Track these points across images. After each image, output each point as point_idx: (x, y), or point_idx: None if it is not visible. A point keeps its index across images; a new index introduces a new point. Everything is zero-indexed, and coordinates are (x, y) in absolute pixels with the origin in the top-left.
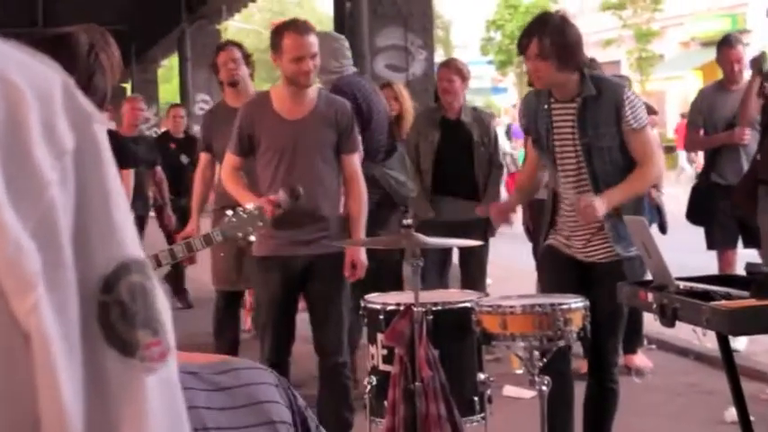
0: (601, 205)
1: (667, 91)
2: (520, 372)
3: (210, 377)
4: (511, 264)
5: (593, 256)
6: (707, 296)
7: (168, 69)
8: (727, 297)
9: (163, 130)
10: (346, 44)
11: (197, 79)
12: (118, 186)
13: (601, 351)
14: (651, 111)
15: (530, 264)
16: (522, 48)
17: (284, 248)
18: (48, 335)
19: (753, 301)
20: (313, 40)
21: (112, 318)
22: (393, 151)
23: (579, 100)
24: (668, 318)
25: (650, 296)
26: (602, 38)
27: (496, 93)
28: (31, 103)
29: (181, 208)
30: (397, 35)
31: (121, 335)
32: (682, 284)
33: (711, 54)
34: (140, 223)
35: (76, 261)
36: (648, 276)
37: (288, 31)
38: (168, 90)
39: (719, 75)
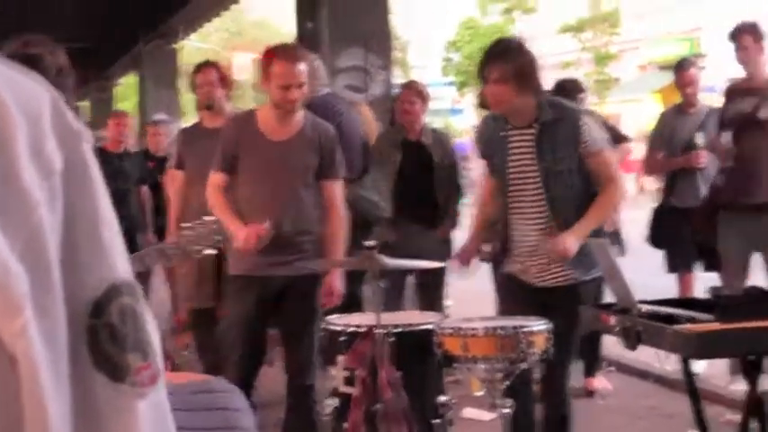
0: (573, 243)
1: (623, 114)
2: (479, 394)
3: (187, 398)
4: (469, 285)
5: (550, 280)
6: (670, 319)
7: (126, 88)
8: (691, 320)
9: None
10: (321, 64)
11: (155, 98)
12: (107, 206)
13: (554, 375)
14: (622, 138)
15: (489, 285)
16: (482, 72)
17: (261, 268)
18: (35, 359)
19: (717, 325)
20: (302, 68)
21: (102, 341)
22: (366, 171)
23: (537, 125)
24: (631, 341)
25: (613, 319)
26: (560, 60)
27: (454, 114)
28: (19, 121)
29: (160, 227)
30: (357, 56)
31: (111, 359)
32: (644, 307)
33: (668, 77)
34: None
35: (65, 283)
36: (605, 298)
37: (278, 57)
38: (126, 108)
39: (677, 98)
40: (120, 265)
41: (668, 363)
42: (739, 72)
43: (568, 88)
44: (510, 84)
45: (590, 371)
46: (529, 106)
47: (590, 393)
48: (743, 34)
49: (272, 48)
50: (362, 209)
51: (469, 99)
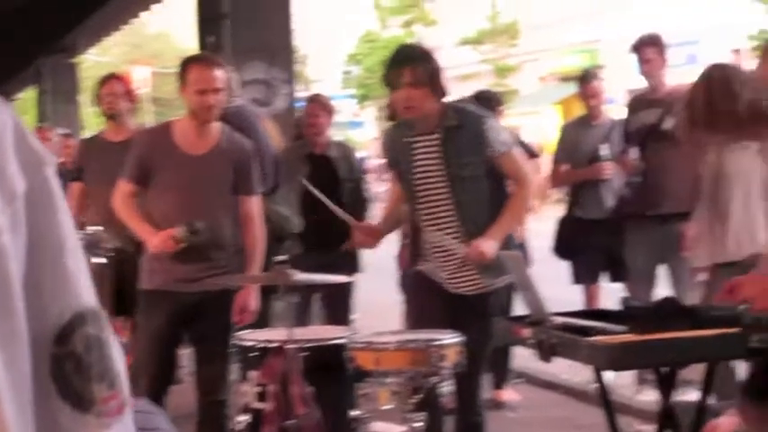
0: (490, 247)
1: (523, 126)
2: (388, 407)
3: None
4: (374, 297)
5: (459, 288)
6: (584, 331)
7: (24, 102)
8: (604, 332)
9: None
10: (234, 76)
11: (55, 113)
12: (72, 232)
13: (466, 385)
14: (533, 154)
15: (394, 297)
16: (392, 78)
17: (174, 284)
18: None
19: (631, 337)
20: (219, 74)
21: (67, 371)
22: (278, 186)
23: (441, 131)
24: (546, 353)
25: (527, 332)
26: (461, 72)
27: (354, 127)
28: None
29: None
30: (259, 69)
31: (76, 389)
32: (558, 320)
33: (569, 89)
34: None
35: (28, 310)
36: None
37: (194, 63)
38: (25, 122)
39: (577, 110)
40: (85, 292)
41: (577, 374)
42: (638, 84)
43: (490, 99)
44: (423, 87)
45: (499, 383)
46: (435, 112)
47: (499, 405)
48: (646, 46)
49: (189, 56)
50: (274, 223)
51: (370, 112)
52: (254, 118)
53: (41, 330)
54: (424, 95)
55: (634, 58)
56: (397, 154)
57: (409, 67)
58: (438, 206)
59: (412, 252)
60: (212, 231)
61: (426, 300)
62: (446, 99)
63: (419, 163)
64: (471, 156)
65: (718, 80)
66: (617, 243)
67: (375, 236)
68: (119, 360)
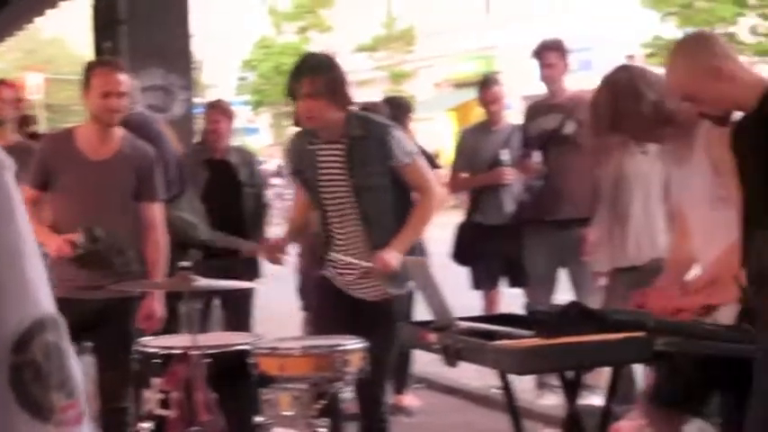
0: (393, 258)
1: (418, 132)
2: (289, 413)
3: None
4: (272, 304)
5: (363, 293)
6: (489, 336)
7: None
8: (509, 336)
9: None
10: (135, 82)
11: None
12: (31, 238)
13: (370, 391)
14: (435, 165)
15: (292, 305)
16: (293, 88)
17: (76, 291)
18: None
19: (537, 341)
20: (122, 78)
21: (26, 379)
22: (183, 192)
23: (346, 140)
24: (451, 358)
25: (433, 337)
26: (356, 79)
27: (249, 133)
28: None
29: None
30: (156, 75)
31: (35, 398)
32: (463, 324)
33: (464, 95)
34: None
35: None
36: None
37: (98, 67)
38: None
39: (472, 116)
40: (44, 299)
41: (477, 379)
42: (533, 90)
43: (400, 105)
44: (322, 98)
45: (399, 388)
46: (338, 121)
47: (400, 410)
48: (549, 51)
49: (93, 60)
50: (179, 230)
51: (265, 118)
52: (156, 124)
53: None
54: (323, 106)
55: (530, 63)
56: (302, 162)
57: (309, 77)
58: (344, 215)
59: (312, 257)
60: (113, 237)
61: (330, 305)
62: (353, 107)
63: (324, 172)
64: (376, 165)
65: (623, 81)
66: (516, 248)
67: (282, 251)
68: (76, 369)
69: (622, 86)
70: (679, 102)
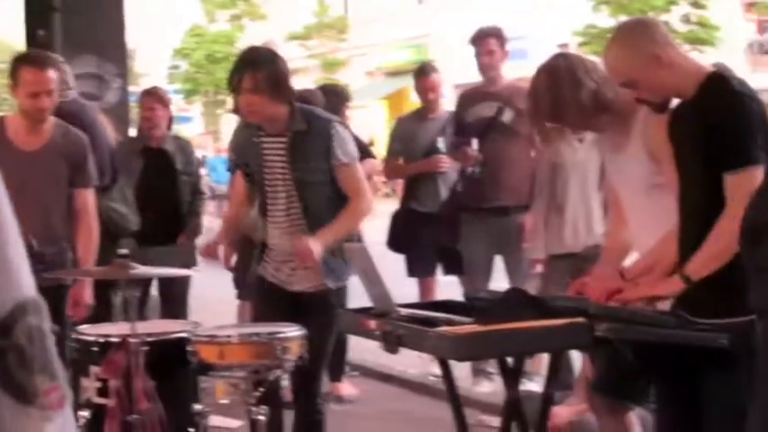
0: (317, 247)
1: (351, 120)
2: (225, 401)
3: None
4: (206, 293)
5: (301, 286)
6: (430, 322)
7: None
8: (450, 323)
9: None
10: (68, 69)
11: None
12: (12, 223)
13: (307, 380)
14: (368, 153)
15: (227, 293)
16: (234, 83)
17: None
18: None
19: (477, 327)
20: (52, 75)
21: (9, 363)
22: (115, 181)
23: (289, 134)
24: (392, 344)
25: (372, 323)
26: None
27: (182, 122)
28: None
29: None
30: (90, 63)
31: (19, 381)
32: (403, 311)
33: (396, 84)
34: None
35: None
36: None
37: (26, 64)
38: None
39: (405, 104)
40: (25, 282)
41: (413, 366)
42: (465, 78)
43: (337, 94)
44: (263, 93)
45: (336, 376)
46: (282, 115)
47: (337, 399)
48: (489, 38)
49: (21, 55)
50: (110, 221)
51: (197, 107)
52: (90, 111)
53: None
54: (265, 101)
55: (462, 52)
56: (247, 154)
57: (250, 72)
58: (285, 208)
59: (245, 258)
60: (45, 228)
61: (269, 304)
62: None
63: (267, 164)
64: (318, 161)
65: (562, 69)
66: (452, 236)
67: (216, 247)
68: (55, 352)
69: (561, 74)
70: (617, 89)
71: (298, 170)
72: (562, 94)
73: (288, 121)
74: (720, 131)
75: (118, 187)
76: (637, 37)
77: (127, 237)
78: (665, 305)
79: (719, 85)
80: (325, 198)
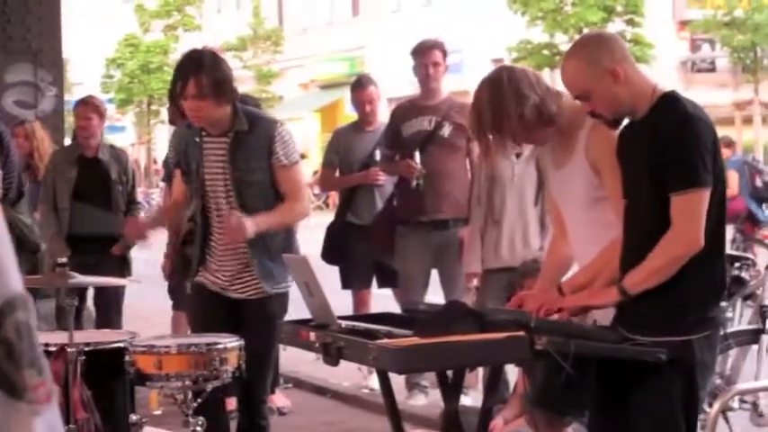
0: (251, 226)
1: None
2: (159, 412)
3: None
4: (140, 302)
5: (240, 292)
6: (370, 335)
7: None
8: (390, 335)
9: None
10: None
11: None
12: (0, 221)
13: (250, 388)
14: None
15: (161, 302)
16: (178, 89)
17: None
18: None
19: (417, 340)
20: None
21: None
22: (22, 195)
23: (231, 134)
24: (332, 356)
25: (312, 335)
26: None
27: (114, 131)
28: None
29: None
30: (26, 71)
31: (8, 376)
32: (344, 323)
33: (330, 96)
34: None
35: None
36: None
37: None
38: None
39: (339, 117)
40: (14, 279)
41: (346, 378)
42: (397, 91)
43: (249, 105)
44: (208, 98)
45: (271, 387)
46: (225, 116)
47: (271, 411)
48: (434, 50)
49: None
50: (20, 233)
51: (130, 117)
52: (1, 126)
53: None
54: (210, 105)
55: (396, 65)
56: (187, 154)
57: (194, 77)
58: (223, 209)
59: (176, 267)
60: None
61: (208, 311)
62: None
63: (207, 164)
64: (259, 161)
65: (506, 81)
66: (385, 249)
67: (145, 228)
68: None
69: (504, 87)
70: (560, 102)
71: (238, 170)
72: (505, 106)
73: (230, 122)
74: (669, 152)
75: (24, 202)
76: (595, 50)
77: (31, 250)
78: (605, 318)
79: (671, 105)
80: (265, 198)
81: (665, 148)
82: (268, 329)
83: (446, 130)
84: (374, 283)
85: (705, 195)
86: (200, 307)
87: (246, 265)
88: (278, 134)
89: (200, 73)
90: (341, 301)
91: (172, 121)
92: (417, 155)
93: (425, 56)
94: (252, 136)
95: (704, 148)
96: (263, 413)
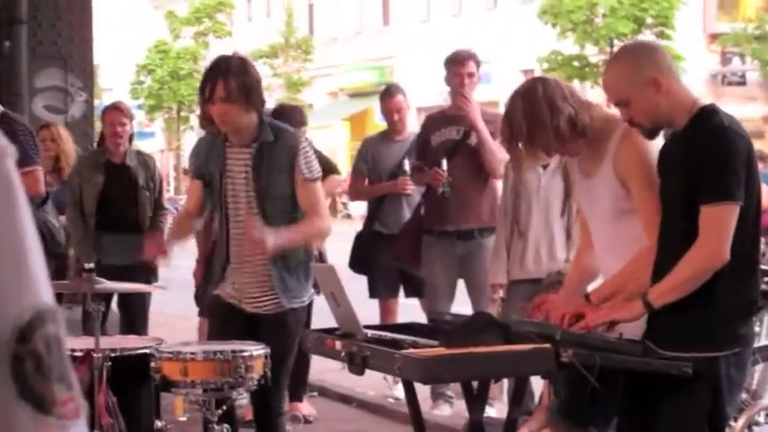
0: (271, 239)
1: (314, 140)
2: (184, 419)
3: None
4: (166, 309)
5: (258, 306)
6: (395, 344)
7: None
8: (415, 345)
9: None
10: None
11: None
12: (32, 228)
13: (266, 399)
14: (332, 169)
15: (187, 309)
16: (207, 92)
17: None
18: None
19: (443, 350)
20: None
21: (27, 371)
22: (48, 197)
23: (256, 145)
24: (358, 366)
25: (338, 344)
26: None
27: (144, 137)
28: None
29: None
30: (56, 76)
31: (37, 389)
32: (369, 332)
33: (359, 105)
34: None
35: None
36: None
37: None
38: None
39: (368, 126)
40: (44, 290)
41: (372, 388)
42: (428, 101)
43: (290, 116)
44: (236, 102)
45: (296, 395)
46: (251, 125)
47: (295, 418)
48: (469, 61)
49: None
50: (48, 234)
51: (159, 123)
52: (20, 125)
53: (1, 329)
54: (237, 109)
55: (427, 75)
56: (209, 163)
57: (222, 80)
58: (242, 221)
59: (206, 274)
60: None
61: (226, 325)
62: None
63: (230, 175)
64: (281, 174)
65: (539, 93)
66: (412, 259)
67: (163, 246)
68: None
69: (539, 99)
70: (591, 114)
71: (261, 181)
72: (540, 118)
73: (255, 132)
74: (703, 163)
75: (49, 206)
76: (640, 58)
77: (56, 251)
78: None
79: (708, 118)
80: (286, 212)
81: (698, 160)
82: (283, 343)
83: (474, 140)
84: (401, 292)
85: (734, 209)
86: (217, 320)
87: (264, 277)
88: (302, 148)
89: (229, 76)
90: (369, 310)
91: (203, 126)
92: (444, 162)
93: (460, 66)
94: (276, 148)
95: (738, 161)
96: (279, 426)
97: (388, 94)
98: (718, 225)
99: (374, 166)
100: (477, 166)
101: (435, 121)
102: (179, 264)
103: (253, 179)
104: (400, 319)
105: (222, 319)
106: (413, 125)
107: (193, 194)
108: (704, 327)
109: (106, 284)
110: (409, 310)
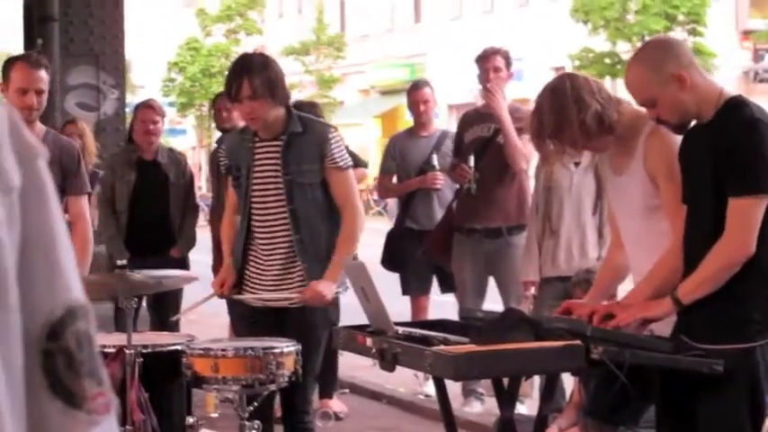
0: (327, 288)
1: (345, 137)
2: (215, 415)
3: None
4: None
5: (283, 300)
6: (426, 341)
7: None
8: (446, 342)
9: None
10: None
11: None
12: (63, 226)
13: (293, 397)
14: (359, 163)
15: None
16: (233, 91)
17: None
18: None
19: (473, 347)
20: (43, 75)
21: (58, 366)
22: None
23: (285, 137)
24: (388, 362)
25: (369, 341)
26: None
27: (175, 134)
28: None
29: None
30: (88, 74)
31: (68, 385)
32: (400, 329)
33: (391, 102)
34: None
35: (21, 305)
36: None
37: (18, 62)
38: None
39: (399, 123)
40: (76, 287)
41: (402, 384)
42: (460, 98)
43: (308, 111)
44: (262, 98)
45: (327, 392)
46: (279, 118)
47: (326, 415)
48: (495, 56)
49: (15, 55)
50: None
51: (191, 120)
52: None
53: (33, 325)
54: (264, 106)
55: (458, 72)
56: (238, 159)
57: (247, 78)
58: (272, 213)
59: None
60: None
61: (251, 326)
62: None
63: (258, 169)
64: (312, 163)
65: (568, 89)
66: (444, 256)
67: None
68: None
69: (567, 94)
70: (620, 109)
71: (290, 172)
72: (567, 113)
73: (284, 124)
74: (732, 155)
75: None
76: (662, 55)
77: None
78: (663, 329)
79: (737, 109)
80: (314, 201)
81: (727, 152)
82: (309, 339)
83: (503, 138)
84: (435, 289)
85: (763, 202)
86: (241, 320)
87: (290, 270)
88: (332, 137)
89: (254, 73)
90: (402, 307)
91: (219, 127)
92: (471, 158)
93: (486, 61)
94: (305, 138)
95: None
96: (306, 422)
97: (415, 87)
98: (746, 218)
99: (402, 163)
100: (506, 164)
101: (469, 118)
102: (207, 261)
103: (282, 170)
104: (432, 317)
105: (246, 320)
106: (443, 122)
107: (231, 196)
108: (738, 318)
109: (139, 281)
110: (441, 306)
